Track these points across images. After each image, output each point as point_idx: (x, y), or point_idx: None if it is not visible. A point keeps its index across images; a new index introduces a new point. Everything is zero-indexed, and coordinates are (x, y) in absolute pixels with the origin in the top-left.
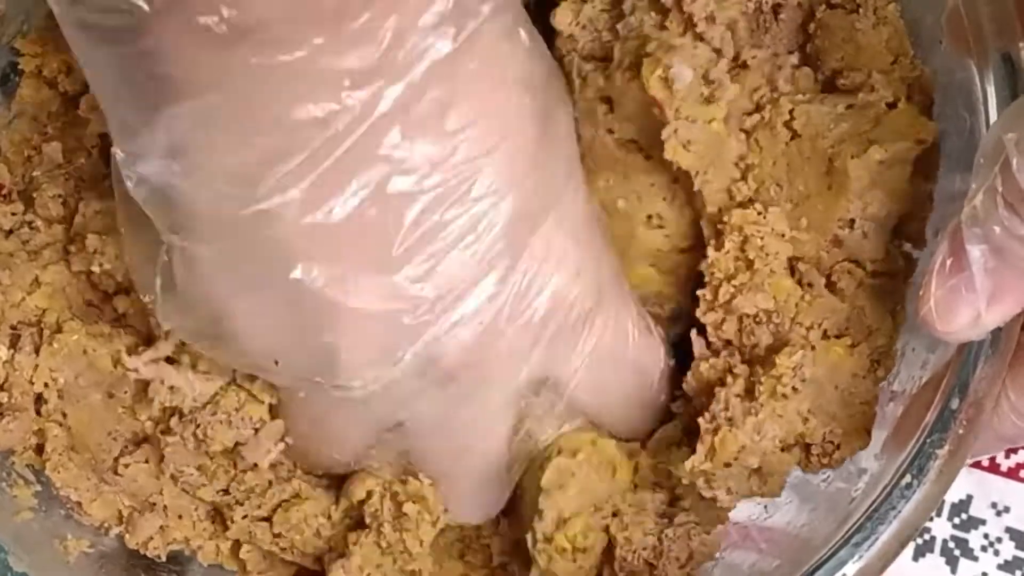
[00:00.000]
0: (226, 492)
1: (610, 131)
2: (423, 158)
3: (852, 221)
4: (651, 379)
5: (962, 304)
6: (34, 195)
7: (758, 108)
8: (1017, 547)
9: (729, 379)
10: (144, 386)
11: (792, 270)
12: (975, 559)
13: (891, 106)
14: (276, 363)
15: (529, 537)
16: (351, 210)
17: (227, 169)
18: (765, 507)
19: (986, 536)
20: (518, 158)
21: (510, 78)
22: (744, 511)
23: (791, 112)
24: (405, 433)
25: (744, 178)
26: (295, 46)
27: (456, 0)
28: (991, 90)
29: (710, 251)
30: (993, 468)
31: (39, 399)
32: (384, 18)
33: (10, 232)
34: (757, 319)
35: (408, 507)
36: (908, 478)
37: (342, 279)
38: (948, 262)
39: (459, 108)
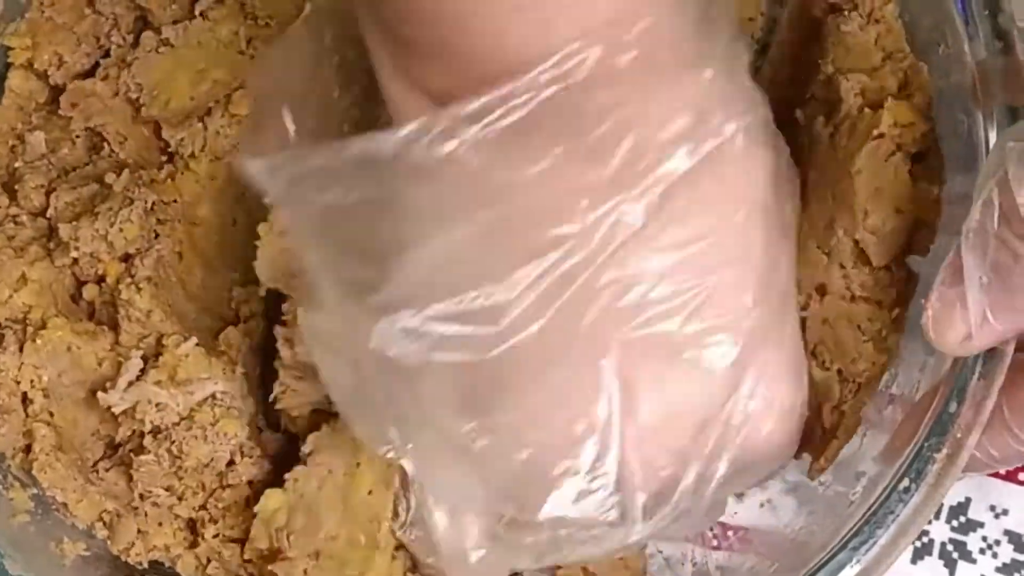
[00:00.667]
0: (203, 508)
1: None
2: (653, 275)
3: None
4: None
5: (956, 319)
6: (16, 187)
7: None
8: (1015, 550)
9: None
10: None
11: None
12: (973, 562)
13: (879, 106)
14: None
15: None
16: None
17: (472, 307)
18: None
19: (984, 539)
20: (746, 283)
21: (749, 200)
22: (743, 514)
23: None
24: None
25: None
26: (539, 155)
27: (699, 116)
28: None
29: None
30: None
31: (25, 399)
32: (624, 130)
33: None
34: None
35: None
36: (906, 482)
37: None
38: (949, 274)
39: (693, 225)
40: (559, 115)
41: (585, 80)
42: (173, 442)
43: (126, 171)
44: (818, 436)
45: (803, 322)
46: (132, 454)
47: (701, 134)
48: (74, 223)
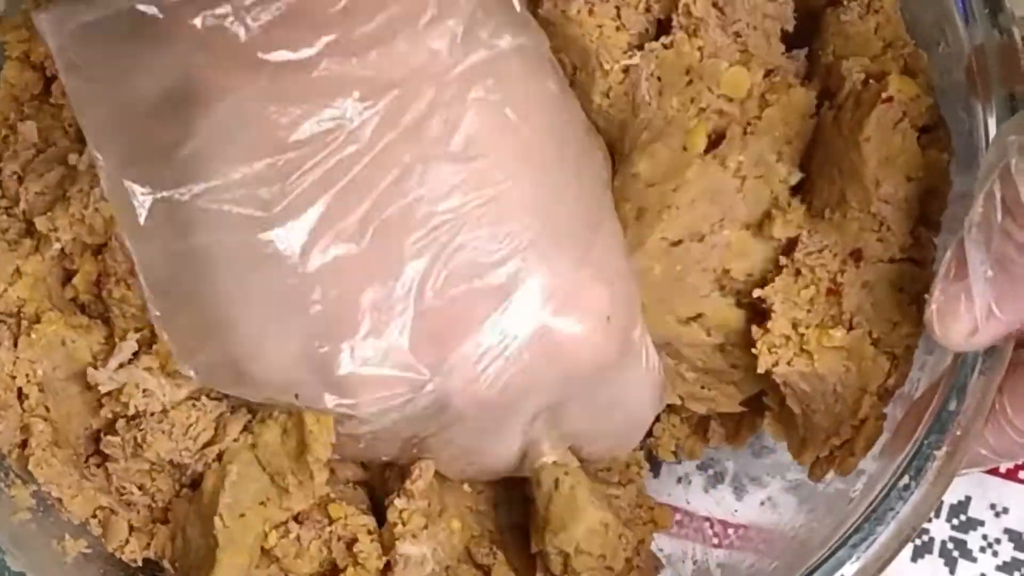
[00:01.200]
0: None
1: None
2: (438, 181)
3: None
4: (644, 426)
5: (961, 313)
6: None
7: None
8: (1016, 548)
9: None
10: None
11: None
12: (974, 560)
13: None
14: (296, 396)
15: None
16: (365, 241)
17: (243, 187)
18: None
19: (985, 537)
20: (540, 196)
21: (534, 119)
22: (744, 512)
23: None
24: (423, 447)
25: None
26: (305, 43)
27: (467, 28)
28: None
29: None
30: (992, 469)
31: (20, 394)
32: (395, 26)
33: None
34: None
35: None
36: (906, 479)
37: (353, 313)
38: (951, 268)
39: (474, 135)
40: (327, 6)
41: None
42: (141, 430)
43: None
44: (821, 439)
45: (838, 289)
46: (102, 434)
47: (472, 43)
48: (49, 214)
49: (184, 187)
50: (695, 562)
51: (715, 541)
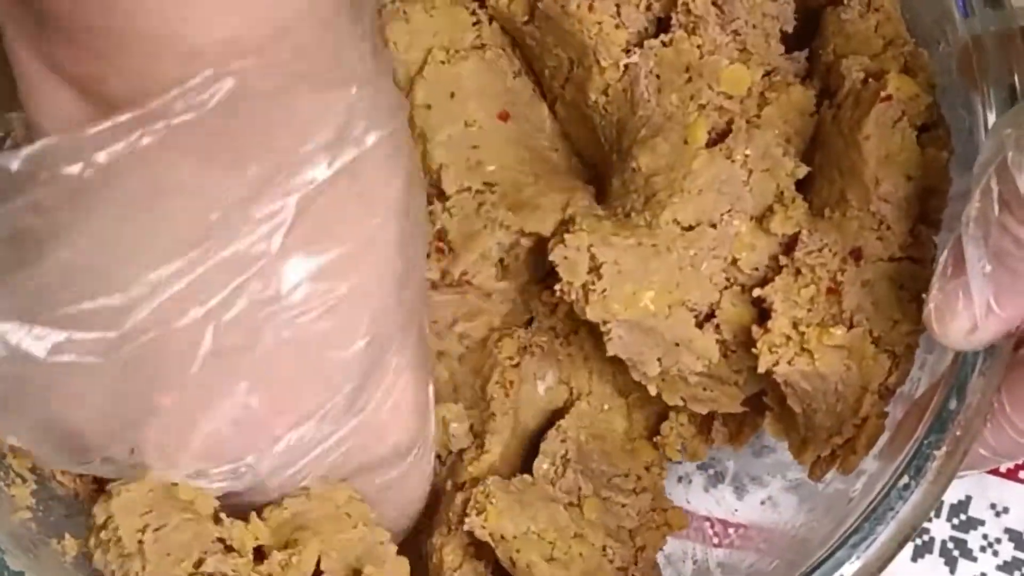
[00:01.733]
0: None
1: None
2: (290, 277)
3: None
4: (416, 510)
5: (960, 310)
6: None
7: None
8: (1016, 548)
9: None
10: None
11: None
12: (974, 560)
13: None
14: (132, 451)
15: None
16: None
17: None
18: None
19: (985, 537)
20: (383, 285)
21: (385, 205)
22: (744, 511)
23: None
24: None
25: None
26: (175, 168)
27: (341, 130)
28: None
29: None
30: (992, 469)
31: None
32: (264, 146)
33: None
34: None
35: None
36: (906, 479)
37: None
38: (949, 265)
39: (330, 232)
40: (194, 135)
41: (222, 103)
42: None
43: None
44: (822, 438)
45: (838, 288)
46: None
47: (341, 146)
48: None
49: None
50: (695, 562)
51: (715, 541)
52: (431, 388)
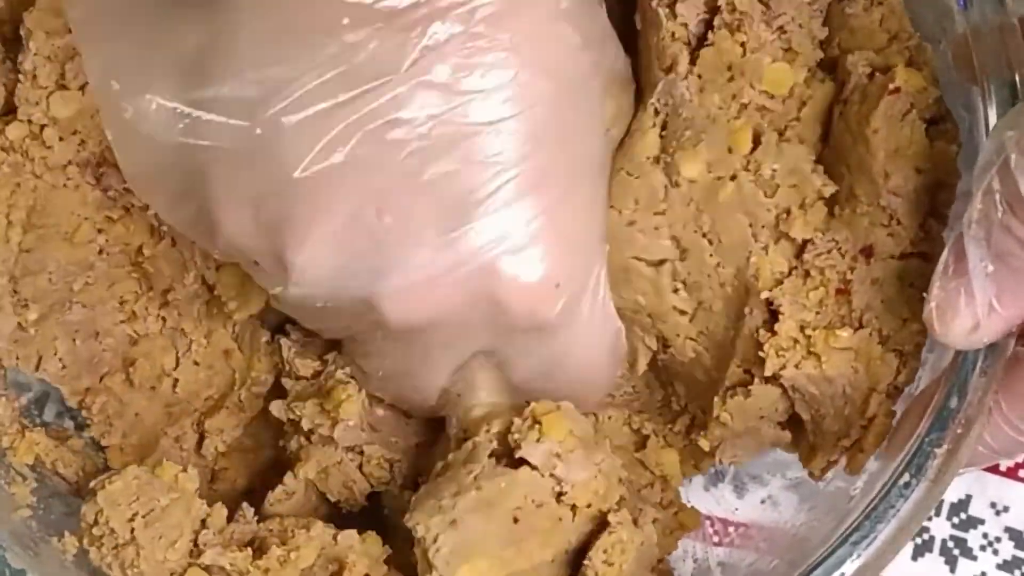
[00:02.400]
0: None
1: None
2: (423, 110)
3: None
4: (601, 386)
5: (961, 309)
6: None
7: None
8: (1016, 547)
9: None
10: None
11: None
12: (974, 559)
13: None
14: (255, 263)
15: None
16: (347, 152)
17: (244, 84)
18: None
19: (985, 536)
20: (538, 133)
21: (551, 62)
22: (744, 510)
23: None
24: (356, 347)
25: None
26: None
27: None
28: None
29: None
30: (992, 468)
31: None
32: None
33: None
34: None
35: None
36: (907, 477)
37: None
38: (950, 264)
39: (478, 67)
40: None
41: None
42: None
43: None
44: (831, 444)
45: (848, 288)
46: None
47: None
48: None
49: (190, 91)
50: (695, 561)
51: (715, 539)
52: (589, 268)
